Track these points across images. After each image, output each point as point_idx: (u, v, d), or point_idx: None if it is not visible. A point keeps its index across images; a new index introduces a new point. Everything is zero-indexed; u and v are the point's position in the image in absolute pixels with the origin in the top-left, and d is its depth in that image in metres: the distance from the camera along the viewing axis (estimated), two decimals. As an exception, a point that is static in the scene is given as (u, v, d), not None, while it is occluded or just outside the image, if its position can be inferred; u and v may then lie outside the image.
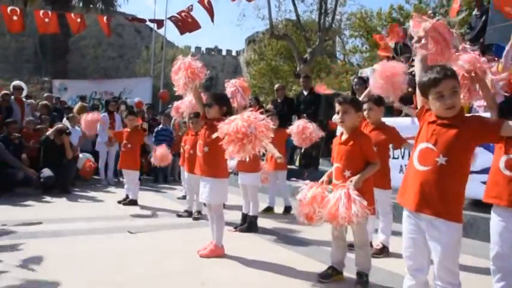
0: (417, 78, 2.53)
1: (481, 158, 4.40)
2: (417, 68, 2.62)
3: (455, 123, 2.27)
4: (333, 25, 23.50)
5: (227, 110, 4.18)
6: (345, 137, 3.36)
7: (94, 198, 7.46)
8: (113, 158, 9.25)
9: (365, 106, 4.18)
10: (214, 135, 3.68)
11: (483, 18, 8.36)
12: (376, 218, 4.37)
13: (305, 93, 9.47)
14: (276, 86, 10.50)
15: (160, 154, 7.01)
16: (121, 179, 9.03)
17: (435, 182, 2.25)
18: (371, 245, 4.00)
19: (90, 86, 16.09)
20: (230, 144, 3.46)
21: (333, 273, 3.44)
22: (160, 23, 15.14)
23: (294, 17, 23.32)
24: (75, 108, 10.80)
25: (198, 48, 46.49)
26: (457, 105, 2.27)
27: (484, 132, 2.28)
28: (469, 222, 4.90)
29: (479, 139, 2.33)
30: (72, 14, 13.18)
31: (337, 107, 3.32)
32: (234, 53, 49.60)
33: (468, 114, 2.49)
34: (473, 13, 8.99)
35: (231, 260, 3.99)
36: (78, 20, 12.66)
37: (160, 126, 10.13)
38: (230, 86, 5.21)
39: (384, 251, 4.23)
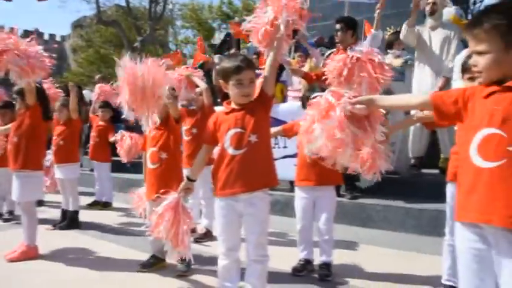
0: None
1: (294, 142, 4.84)
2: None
3: (251, 106, 2.44)
4: (165, 14, 23.27)
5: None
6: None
7: None
8: None
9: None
10: None
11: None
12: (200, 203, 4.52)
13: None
14: (98, 76, 9.77)
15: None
16: None
17: (252, 159, 2.37)
18: (195, 230, 4.08)
19: None
20: None
21: (155, 261, 3.45)
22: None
23: (123, 3, 22.42)
24: None
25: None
26: (252, 94, 2.46)
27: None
28: (285, 202, 5.37)
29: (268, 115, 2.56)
30: None
31: None
32: (58, 38, 45.71)
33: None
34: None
35: (47, 260, 3.71)
36: None
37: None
38: None
39: (207, 235, 4.37)
